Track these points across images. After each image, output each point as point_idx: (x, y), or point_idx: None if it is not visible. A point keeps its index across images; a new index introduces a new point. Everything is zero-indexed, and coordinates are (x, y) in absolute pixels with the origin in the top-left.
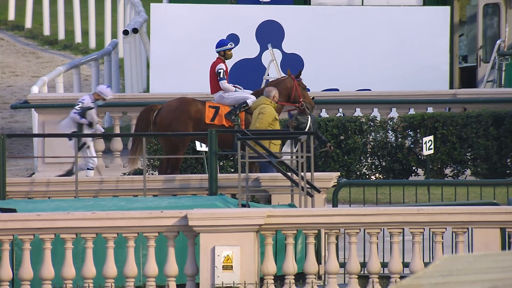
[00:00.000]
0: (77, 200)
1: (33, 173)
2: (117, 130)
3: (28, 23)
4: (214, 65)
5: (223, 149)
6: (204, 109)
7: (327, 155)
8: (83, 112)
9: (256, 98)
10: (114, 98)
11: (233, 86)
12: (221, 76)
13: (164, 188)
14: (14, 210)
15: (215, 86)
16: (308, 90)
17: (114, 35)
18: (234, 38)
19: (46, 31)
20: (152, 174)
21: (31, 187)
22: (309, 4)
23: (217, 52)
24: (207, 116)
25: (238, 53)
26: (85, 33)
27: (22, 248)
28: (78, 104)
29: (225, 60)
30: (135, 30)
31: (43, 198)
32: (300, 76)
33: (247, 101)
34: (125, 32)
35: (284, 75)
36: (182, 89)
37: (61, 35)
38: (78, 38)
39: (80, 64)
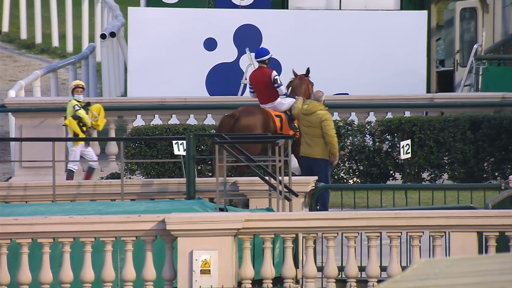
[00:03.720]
0: (54, 204)
1: (10, 177)
2: (94, 134)
3: (5, 27)
4: (262, 74)
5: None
6: (273, 118)
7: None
8: None
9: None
10: (92, 102)
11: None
12: (279, 82)
13: (142, 192)
14: None
15: (269, 96)
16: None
17: (91, 39)
18: (211, 42)
19: (23, 34)
20: (130, 178)
21: (8, 191)
22: (287, 8)
23: (260, 61)
24: (277, 126)
25: (216, 57)
26: (62, 37)
27: None
28: None
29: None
30: (112, 34)
31: (20, 202)
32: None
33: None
34: (103, 36)
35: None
36: (160, 93)
37: (38, 39)
38: (55, 42)
39: (57, 68)
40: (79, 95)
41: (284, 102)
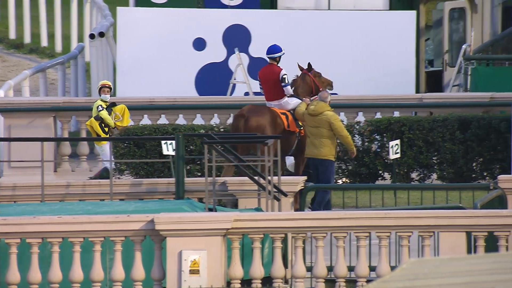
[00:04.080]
0: (43, 204)
1: None
2: (83, 134)
3: None
4: (272, 72)
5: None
6: (280, 116)
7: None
8: None
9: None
10: (81, 102)
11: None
12: (287, 81)
13: (131, 192)
14: None
15: (276, 93)
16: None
17: (80, 38)
18: (201, 42)
19: (12, 34)
20: (119, 178)
21: None
22: (276, 8)
23: (271, 58)
24: (285, 124)
25: (205, 57)
26: (51, 37)
27: None
28: None
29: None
30: (101, 34)
31: (9, 202)
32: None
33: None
34: (92, 36)
35: (251, 78)
36: (149, 93)
37: (27, 39)
38: (44, 42)
39: (46, 68)
40: (106, 95)
41: (290, 102)
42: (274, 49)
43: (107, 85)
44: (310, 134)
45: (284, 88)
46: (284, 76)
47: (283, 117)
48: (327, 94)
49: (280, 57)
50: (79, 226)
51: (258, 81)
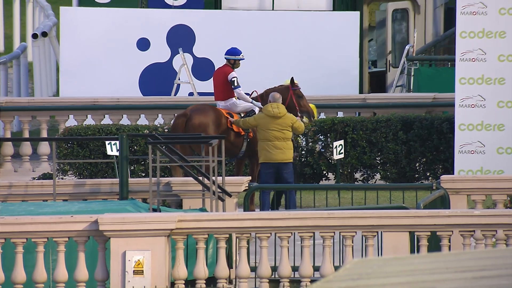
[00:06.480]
0: None
1: None
2: (26, 135)
3: None
4: (222, 72)
5: (232, 153)
6: (224, 116)
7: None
8: None
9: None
10: (23, 102)
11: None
12: (236, 84)
13: (74, 193)
14: None
15: (224, 93)
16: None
17: (23, 38)
18: (144, 42)
19: None
20: (62, 178)
21: None
22: (220, 8)
23: (227, 59)
24: (228, 124)
25: (149, 58)
26: None
27: None
28: None
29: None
30: (44, 34)
31: None
32: (296, 83)
33: (254, 110)
34: (34, 36)
35: (195, 78)
36: (92, 93)
37: None
38: None
39: None
40: None
41: (239, 105)
42: (232, 52)
43: None
44: (274, 137)
45: (234, 91)
46: (233, 79)
47: (228, 117)
48: (279, 95)
49: (236, 61)
50: (21, 227)
51: (202, 81)
